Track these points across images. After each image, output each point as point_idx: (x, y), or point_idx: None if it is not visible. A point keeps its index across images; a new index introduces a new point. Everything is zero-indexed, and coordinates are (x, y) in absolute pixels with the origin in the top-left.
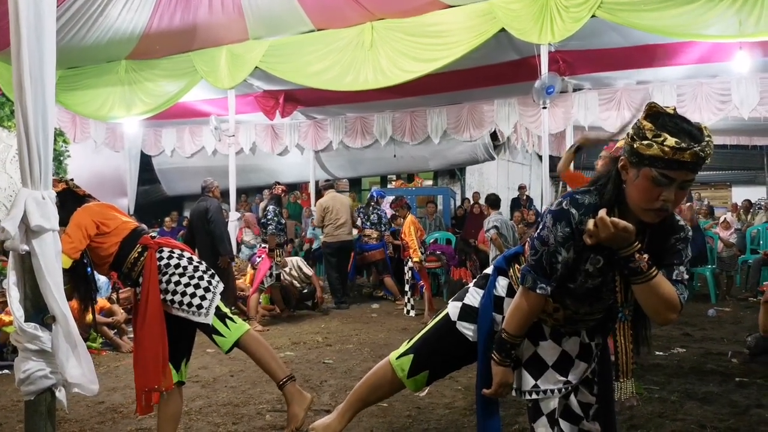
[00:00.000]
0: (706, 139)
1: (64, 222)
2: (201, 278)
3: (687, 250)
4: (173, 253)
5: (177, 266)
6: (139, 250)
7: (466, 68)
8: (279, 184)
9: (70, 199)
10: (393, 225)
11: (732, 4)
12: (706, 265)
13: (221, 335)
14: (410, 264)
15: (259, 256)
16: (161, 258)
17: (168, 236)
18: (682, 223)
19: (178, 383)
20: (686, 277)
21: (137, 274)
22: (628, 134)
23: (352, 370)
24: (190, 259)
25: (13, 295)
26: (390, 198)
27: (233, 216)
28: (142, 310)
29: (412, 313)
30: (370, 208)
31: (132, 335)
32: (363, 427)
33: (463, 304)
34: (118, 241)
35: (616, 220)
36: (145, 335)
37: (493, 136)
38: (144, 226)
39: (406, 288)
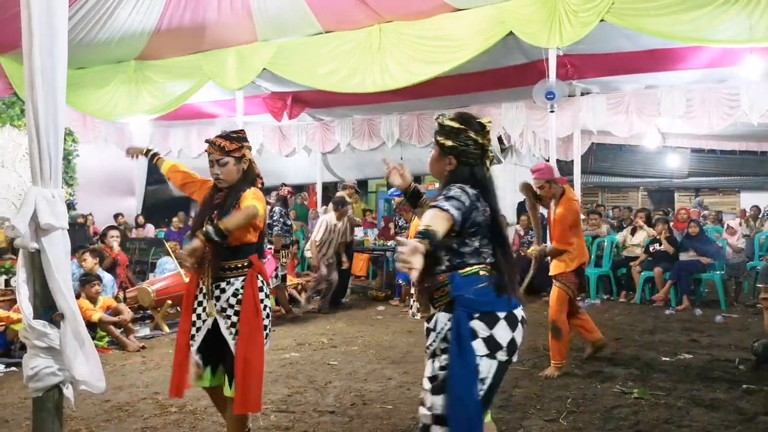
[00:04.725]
0: None
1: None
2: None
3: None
4: (263, 286)
5: (261, 300)
6: (246, 263)
7: (474, 71)
8: (285, 185)
9: (251, 170)
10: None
11: (743, 9)
12: (714, 262)
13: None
14: None
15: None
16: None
17: (175, 237)
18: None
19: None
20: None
21: (222, 278)
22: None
23: (356, 372)
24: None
25: (23, 293)
26: None
27: None
28: (246, 330)
29: (418, 316)
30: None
31: (138, 335)
32: (368, 428)
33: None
34: (246, 241)
35: None
36: (253, 355)
37: (500, 139)
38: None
39: (412, 290)
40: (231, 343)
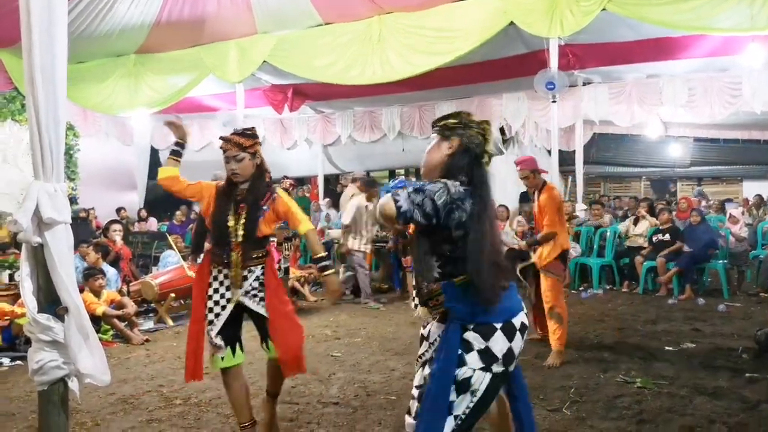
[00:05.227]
0: None
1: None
2: None
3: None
4: (280, 266)
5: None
6: (264, 252)
7: (475, 62)
8: (287, 178)
9: (263, 165)
10: None
11: None
12: (716, 251)
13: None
14: None
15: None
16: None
17: (178, 230)
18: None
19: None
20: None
21: (244, 266)
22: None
23: (360, 364)
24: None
25: (26, 287)
26: None
27: None
28: (276, 303)
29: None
30: None
31: (142, 328)
32: (371, 419)
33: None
34: (267, 233)
35: None
36: (291, 325)
37: (501, 130)
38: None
39: (414, 283)
40: (264, 312)
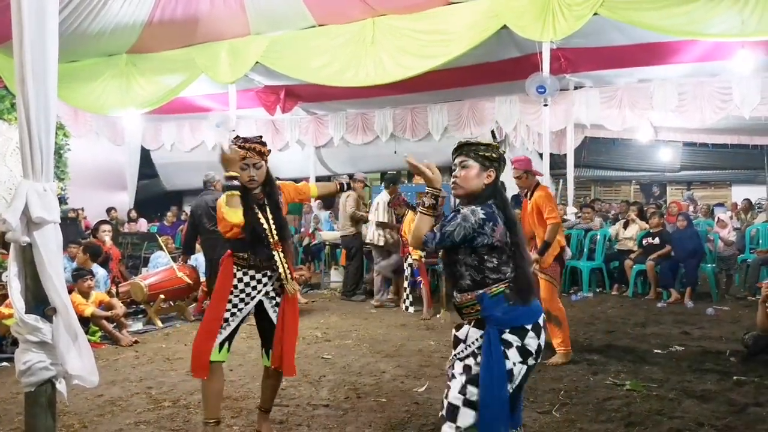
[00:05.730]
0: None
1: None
2: None
3: (455, 218)
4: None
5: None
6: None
7: (468, 65)
8: (279, 179)
9: (268, 169)
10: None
11: (734, 3)
12: (703, 255)
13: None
14: (410, 260)
15: None
16: None
17: (168, 231)
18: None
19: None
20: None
21: (268, 266)
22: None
23: (350, 366)
24: None
25: (14, 287)
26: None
27: None
28: (289, 308)
29: (411, 310)
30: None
31: (131, 329)
32: (362, 421)
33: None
34: None
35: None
36: (295, 328)
37: (492, 133)
38: None
39: (405, 284)
40: (275, 319)
